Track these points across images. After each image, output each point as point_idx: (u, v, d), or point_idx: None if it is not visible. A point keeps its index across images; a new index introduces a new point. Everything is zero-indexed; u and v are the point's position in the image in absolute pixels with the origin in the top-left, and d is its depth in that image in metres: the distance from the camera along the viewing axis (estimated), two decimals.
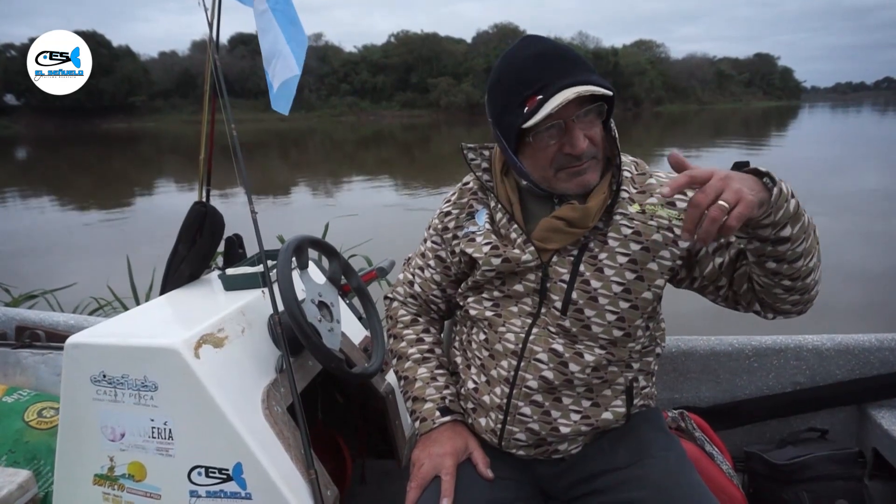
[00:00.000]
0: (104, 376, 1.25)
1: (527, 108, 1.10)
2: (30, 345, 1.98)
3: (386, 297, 1.52)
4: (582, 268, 1.21)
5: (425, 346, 1.40)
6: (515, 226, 1.25)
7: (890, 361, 1.85)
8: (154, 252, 2.80)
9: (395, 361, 1.42)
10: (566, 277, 1.21)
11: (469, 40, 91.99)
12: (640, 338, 1.27)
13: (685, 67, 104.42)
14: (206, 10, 1.73)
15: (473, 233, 1.30)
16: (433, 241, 1.39)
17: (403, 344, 1.41)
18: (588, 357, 1.21)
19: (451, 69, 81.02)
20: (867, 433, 1.87)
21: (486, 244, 1.27)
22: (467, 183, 1.39)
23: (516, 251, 1.23)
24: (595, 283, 1.20)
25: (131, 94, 64.90)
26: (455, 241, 1.34)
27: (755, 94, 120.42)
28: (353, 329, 1.81)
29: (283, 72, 1.84)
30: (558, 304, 1.22)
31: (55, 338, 2.02)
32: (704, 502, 1.15)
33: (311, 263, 1.59)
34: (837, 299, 5.70)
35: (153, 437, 1.24)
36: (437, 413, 1.29)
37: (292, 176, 18.37)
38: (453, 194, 1.40)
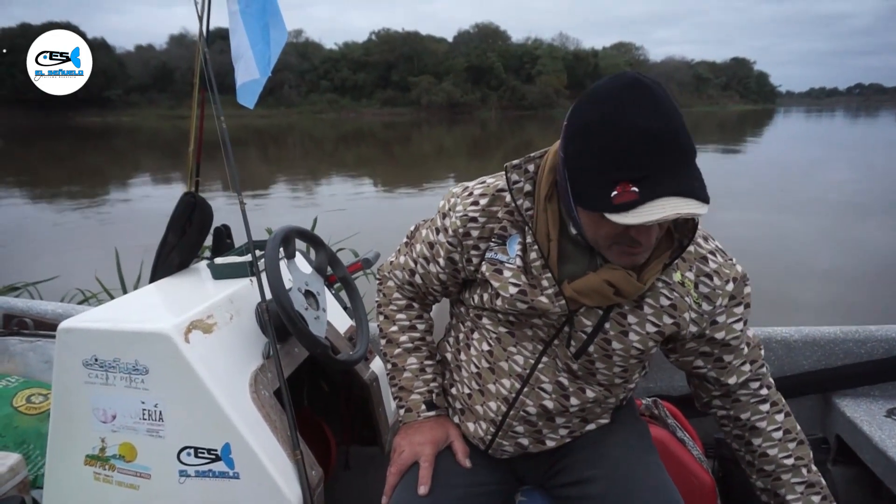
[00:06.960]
0: (96, 360, 1.27)
1: (615, 193, 0.91)
2: (18, 332, 1.98)
3: (380, 275, 1.44)
4: (607, 325, 1.15)
5: (417, 335, 1.37)
6: (549, 274, 1.13)
7: (854, 352, 1.93)
8: (140, 246, 2.79)
9: (383, 342, 1.39)
10: (588, 330, 1.16)
11: (450, 39, 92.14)
12: (636, 377, 1.30)
13: (664, 70, 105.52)
14: (196, 2, 1.75)
15: (502, 263, 1.16)
16: (448, 241, 1.22)
17: (395, 329, 1.38)
18: (589, 394, 1.23)
19: (432, 68, 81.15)
20: (831, 421, 1.95)
21: (514, 285, 1.15)
22: (503, 190, 1.18)
23: (544, 300, 1.13)
24: (616, 345, 1.16)
25: (106, 87, 63.73)
26: (476, 256, 1.20)
27: (731, 98, 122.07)
28: (338, 319, 1.85)
29: (244, 74, 1.89)
30: (572, 350, 1.18)
31: (43, 326, 2.03)
32: (657, 478, 1.20)
33: (298, 254, 1.62)
34: (806, 296, 5.87)
35: (144, 419, 1.27)
36: (423, 407, 1.32)
37: (277, 173, 18.25)
38: (483, 196, 1.19)
